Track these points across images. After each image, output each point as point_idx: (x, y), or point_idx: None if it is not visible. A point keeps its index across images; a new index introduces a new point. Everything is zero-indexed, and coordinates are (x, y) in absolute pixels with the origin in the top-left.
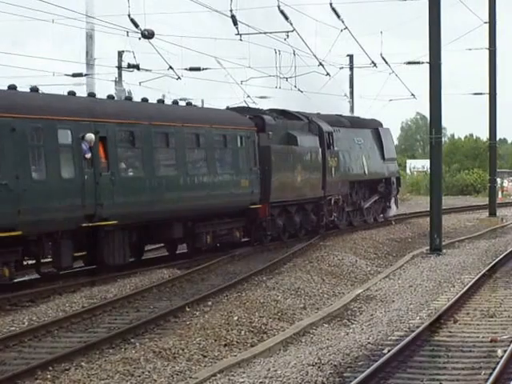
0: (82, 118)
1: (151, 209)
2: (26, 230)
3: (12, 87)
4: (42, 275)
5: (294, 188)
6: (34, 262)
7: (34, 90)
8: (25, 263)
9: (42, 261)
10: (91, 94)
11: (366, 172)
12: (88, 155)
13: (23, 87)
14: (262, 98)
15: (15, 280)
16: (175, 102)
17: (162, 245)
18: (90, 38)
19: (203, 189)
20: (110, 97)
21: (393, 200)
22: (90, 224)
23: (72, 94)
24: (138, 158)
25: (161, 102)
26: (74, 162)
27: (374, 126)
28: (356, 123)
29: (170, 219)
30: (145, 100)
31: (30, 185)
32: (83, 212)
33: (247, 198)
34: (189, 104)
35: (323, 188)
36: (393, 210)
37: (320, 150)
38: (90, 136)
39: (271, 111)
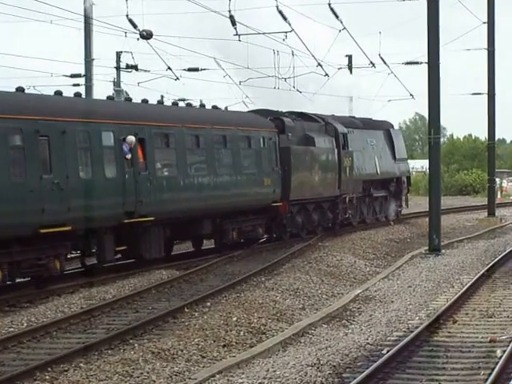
0: (122, 121)
1: (184, 206)
2: (74, 226)
3: (58, 93)
4: (87, 268)
5: (311, 187)
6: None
7: (58, 93)
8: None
9: (69, 256)
10: (128, 99)
11: (379, 172)
12: (128, 156)
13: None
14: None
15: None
16: (175, 104)
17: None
18: (88, 38)
19: (230, 187)
20: (145, 100)
21: (403, 198)
22: (131, 220)
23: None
24: (172, 159)
25: (189, 105)
26: (116, 162)
27: (386, 128)
28: (369, 125)
29: (200, 216)
30: (175, 104)
31: (78, 184)
32: (124, 209)
33: (269, 197)
34: (215, 107)
35: (339, 187)
36: (402, 209)
37: (335, 150)
38: (131, 138)
39: (290, 113)
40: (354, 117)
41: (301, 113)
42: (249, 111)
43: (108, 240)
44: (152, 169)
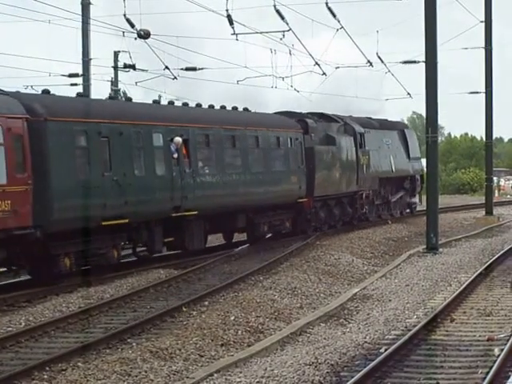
0: (170, 123)
1: (222, 201)
2: (130, 219)
3: (112, 97)
4: (139, 258)
5: (333, 183)
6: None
7: (46, 92)
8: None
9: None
10: (171, 102)
11: (394, 170)
12: (175, 155)
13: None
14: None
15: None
16: (171, 103)
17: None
18: (85, 38)
19: (262, 184)
20: (185, 104)
21: (417, 195)
22: (177, 214)
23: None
24: (211, 158)
25: (223, 107)
26: (164, 161)
27: (401, 128)
28: (384, 125)
29: (235, 211)
30: (198, 105)
31: (133, 180)
32: (172, 204)
33: (296, 193)
34: (246, 109)
35: (357, 183)
36: (416, 205)
37: (354, 149)
38: (178, 139)
39: (312, 114)
40: (370, 117)
41: (321, 114)
42: (274, 113)
43: (157, 232)
44: (195, 167)
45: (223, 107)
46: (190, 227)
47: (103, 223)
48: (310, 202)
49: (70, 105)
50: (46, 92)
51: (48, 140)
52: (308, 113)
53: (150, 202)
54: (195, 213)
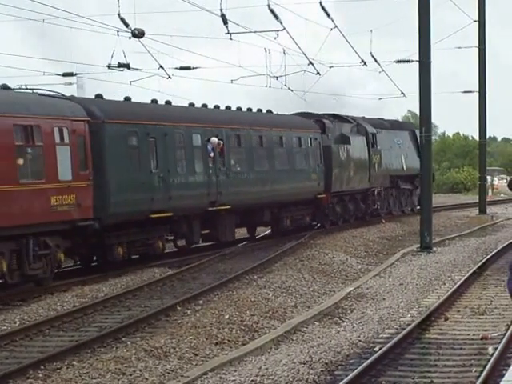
0: (207, 124)
1: (252, 197)
2: (174, 212)
3: (154, 101)
4: (179, 248)
5: (348, 180)
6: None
7: (128, 99)
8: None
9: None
10: (216, 106)
11: (404, 168)
12: (212, 154)
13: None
14: None
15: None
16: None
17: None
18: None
19: (286, 181)
20: (217, 106)
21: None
22: (213, 208)
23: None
24: (242, 156)
25: (249, 109)
26: (202, 159)
27: (411, 129)
28: (396, 126)
29: (262, 206)
30: (191, 104)
31: (176, 177)
32: (208, 199)
33: (315, 189)
34: (269, 111)
35: (369, 181)
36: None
37: (366, 148)
38: (215, 139)
39: (327, 115)
40: (382, 119)
41: (334, 114)
42: (292, 114)
43: (196, 225)
44: (228, 165)
45: (249, 109)
46: (223, 220)
47: (151, 216)
48: (327, 198)
49: (122, 108)
50: (99, 96)
51: (105, 140)
52: (323, 113)
53: (191, 197)
54: (228, 207)
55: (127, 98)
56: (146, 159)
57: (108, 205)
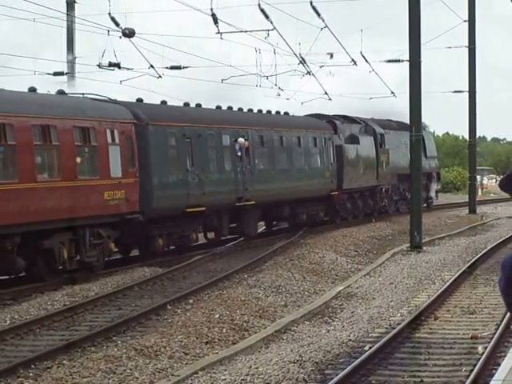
0: (235, 126)
1: (273, 193)
2: (206, 207)
3: (186, 104)
4: (209, 241)
5: (357, 178)
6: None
7: (164, 102)
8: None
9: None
10: (230, 108)
11: None
12: (239, 153)
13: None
14: None
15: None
16: (164, 102)
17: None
18: (70, 36)
19: (303, 179)
20: (241, 109)
21: (433, 191)
22: (240, 204)
23: (140, 100)
24: (264, 155)
25: (269, 112)
26: (231, 158)
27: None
28: (403, 126)
29: (282, 202)
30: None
31: (209, 174)
32: (236, 195)
33: (329, 186)
34: (286, 113)
35: (376, 179)
36: (434, 200)
37: (374, 148)
38: (241, 139)
39: (338, 116)
40: (391, 120)
41: (344, 116)
42: (305, 115)
43: (225, 219)
44: (253, 163)
45: (269, 112)
46: (248, 215)
47: (187, 210)
48: (339, 195)
49: (162, 111)
50: (139, 100)
51: (149, 140)
52: (333, 115)
53: (221, 193)
54: (253, 203)
55: (164, 102)
56: (183, 158)
57: (151, 199)
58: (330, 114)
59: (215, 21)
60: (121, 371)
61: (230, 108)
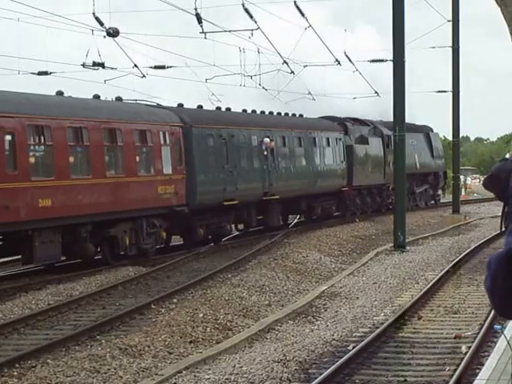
0: (261, 128)
1: (293, 189)
2: (239, 201)
3: (218, 108)
4: (240, 231)
5: (366, 176)
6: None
7: (200, 107)
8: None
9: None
10: (244, 110)
11: (418, 166)
12: (265, 153)
13: None
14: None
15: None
16: (200, 107)
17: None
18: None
19: (319, 176)
20: (263, 112)
21: (440, 189)
22: (266, 198)
23: (180, 105)
24: (287, 154)
25: (294, 115)
26: (258, 157)
27: (426, 131)
28: (411, 128)
29: (300, 197)
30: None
31: (241, 171)
32: (263, 190)
33: (340, 183)
34: (301, 115)
35: (384, 177)
36: (440, 197)
37: (382, 148)
38: (267, 140)
39: (348, 119)
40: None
41: (355, 118)
42: (318, 117)
43: (253, 212)
44: (277, 162)
45: (294, 115)
46: (272, 208)
47: (224, 203)
48: (350, 191)
49: (202, 115)
50: (180, 105)
51: (193, 141)
52: (345, 117)
53: (251, 188)
54: (277, 197)
55: (199, 106)
56: (219, 157)
57: (196, 194)
58: (341, 116)
59: (199, 20)
60: (105, 370)
61: (253, 111)
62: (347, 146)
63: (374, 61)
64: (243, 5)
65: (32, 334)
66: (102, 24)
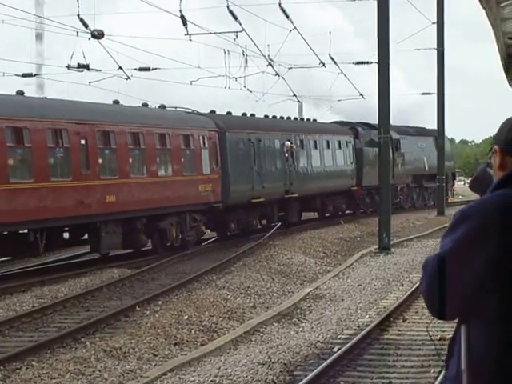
0: (282, 132)
1: (310, 188)
2: (264, 199)
3: (244, 114)
4: (262, 226)
5: (375, 176)
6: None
7: (229, 113)
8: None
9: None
10: (252, 115)
11: (426, 168)
12: (286, 155)
13: None
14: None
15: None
16: (229, 113)
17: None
18: (39, 38)
19: (331, 176)
20: (282, 117)
21: (449, 188)
22: (287, 196)
23: (213, 111)
24: (304, 156)
25: (302, 119)
26: (281, 159)
27: (435, 135)
28: (420, 132)
29: (315, 195)
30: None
31: (266, 171)
32: (284, 189)
33: (350, 183)
34: (315, 120)
35: (392, 178)
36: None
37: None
38: (288, 143)
39: (360, 124)
40: (408, 126)
41: (366, 123)
42: (331, 122)
43: (275, 208)
44: (296, 163)
45: (302, 119)
46: (292, 206)
47: (252, 201)
48: (359, 190)
49: (233, 121)
50: (212, 112)
51: (227, 145)
52: (356, 122)
53: (274, 187)
54: (297, 195)
55: (229, 113)
56: (248, 158)
57: (229, 192)
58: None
59: (184, 22)
60: (89, 372)
61: (274, 117)
62: (357, 148)
63: (358, 63)
64: (228, 6)
65: (17, 336)
66: (86, 26)
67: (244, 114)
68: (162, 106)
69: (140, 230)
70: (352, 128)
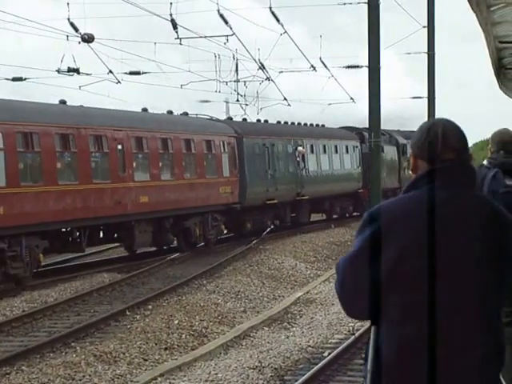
0: (295, 137)
1: (319, 190)
2: (278, 200)
3: (229, 118)
4: (276, 226)
5: (381, 180)
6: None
7: (244, 119)
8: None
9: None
10: (258, 120)
11: None
12: (298, 159)
13: None
14: (203, 101)
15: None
16: (244, 120)
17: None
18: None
19: (339, 178)
20: (293, 123)
21: None
22: (298, 198)
23: (230, 118)
24: (314, 160)
25: (305, 124)
26: (293, 162)
27: None
28: None
29: (324, 197)
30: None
31: (280, 175)
32: (295, 191)
33: (356, 185)
34: (323, 125)
35: (399, 181)
36: None
37: (396, 155)
38: (300, 148)
39: (366, 129)
40: (414, 131)
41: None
42: (338, 128)
43: (288, 210)
44: (307, 167)
45: (305, 124)
46: (303, 207)
47: (267, 202)
48: (366, 193)
49: (249, 127)
50: (229, 118)
51: (244, 150)
52: (362, 127)
53: (287, 189)
54: (307, 197)
55: (244, 119)
56: (263, 162)
57: (246, 193)
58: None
59: (174, 26)
60: (80, 377)
61: (285, 122)
62: (364, 153)
63: (349, 67)
64: (218, 11)
65: (6, 341)
66: (76, 30)
67: (258, 120)
68: (185, 113)
69: (168, 229)
70: (359, 133)
